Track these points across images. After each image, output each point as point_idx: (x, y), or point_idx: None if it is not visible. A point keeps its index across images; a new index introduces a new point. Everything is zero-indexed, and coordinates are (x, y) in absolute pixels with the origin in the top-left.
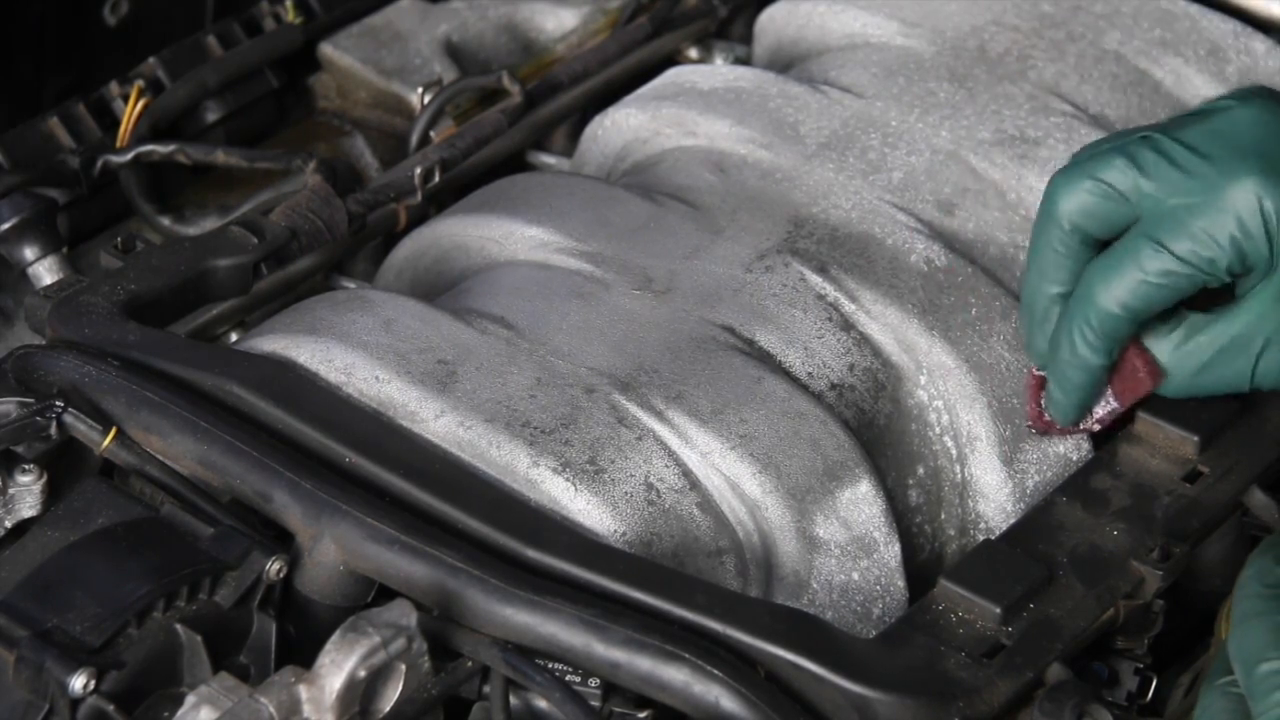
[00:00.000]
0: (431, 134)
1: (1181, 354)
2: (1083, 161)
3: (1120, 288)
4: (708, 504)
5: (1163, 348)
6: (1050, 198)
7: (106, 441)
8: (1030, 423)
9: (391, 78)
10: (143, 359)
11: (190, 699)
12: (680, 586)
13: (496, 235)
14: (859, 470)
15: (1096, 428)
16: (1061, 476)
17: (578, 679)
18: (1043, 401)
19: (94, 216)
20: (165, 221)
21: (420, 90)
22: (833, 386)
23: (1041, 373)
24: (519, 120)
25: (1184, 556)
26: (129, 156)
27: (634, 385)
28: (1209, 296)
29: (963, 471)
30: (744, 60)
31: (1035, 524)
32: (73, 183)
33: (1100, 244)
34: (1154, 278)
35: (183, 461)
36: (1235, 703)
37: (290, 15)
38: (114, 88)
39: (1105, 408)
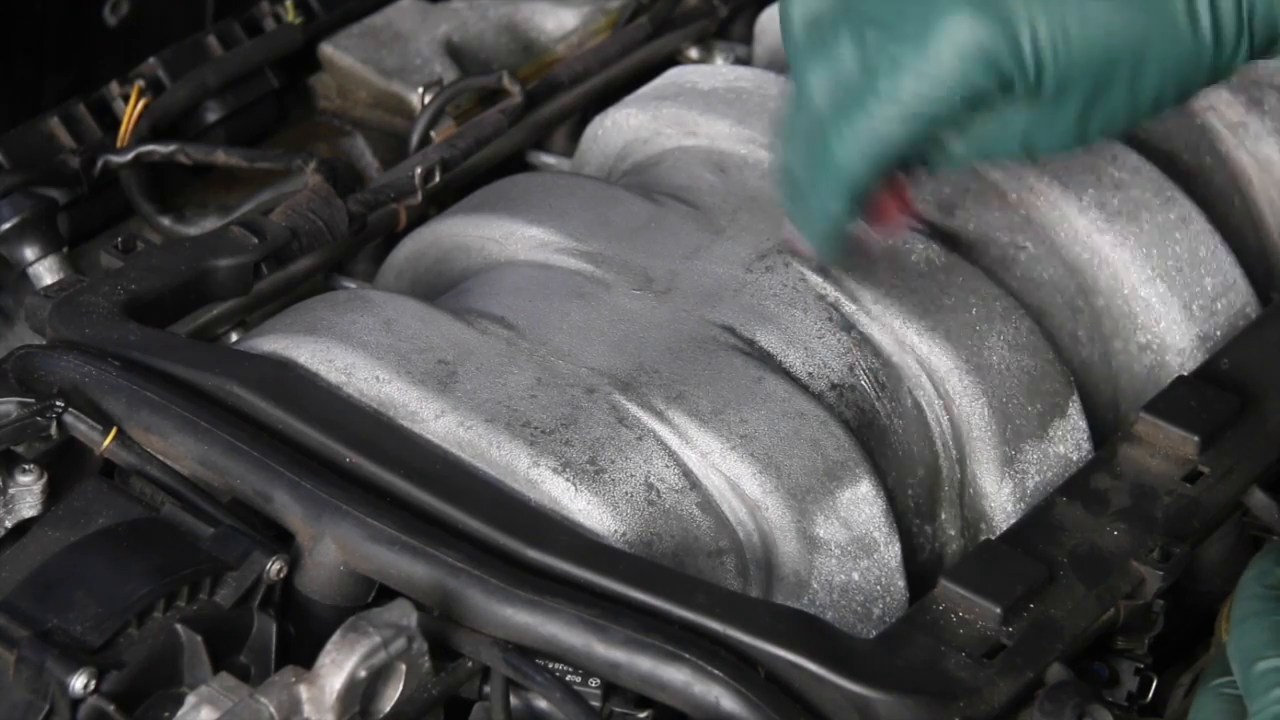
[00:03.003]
0: (432, 134)
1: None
2: (816, 35)
3: (856, 145)
4: (708, 504)
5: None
6: (798, 81)
7: (107, 441)
8: (784, 240)
9: (392, 78)
10: (143, 359)
11: (190, 699)
12: (680, 586)
13: (497, 235)
14: (859, 470)
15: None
16: (1061, 476)
17: (578, 679)
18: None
19: (94, 216)
20: (165, 221)
21: (420, 90)
22: (833, 386)
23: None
24: (519, 120)
25: (1184, 557)
26: (129, 156)
27: (634, 385)
28: None
29: (963, 471)
30: (744, 60)
31: (1035, 524)
32: (73, 183)
33: None
34: (890, 137)
35: (183, 461)
36: (1230, 704)
37: (290, 15)
38: (114, 88)
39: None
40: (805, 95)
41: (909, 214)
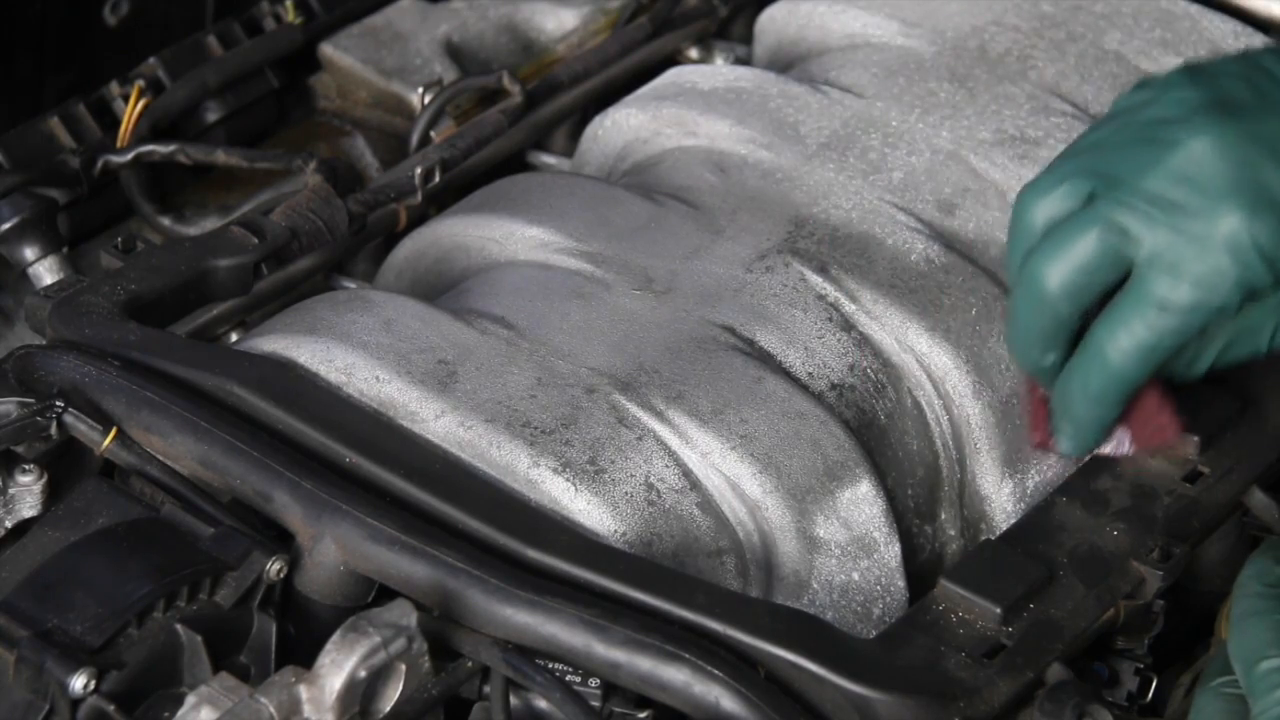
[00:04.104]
0: (432, 134)
1: (1194, 347)
2: (1059, 236)
3: (1132, 351)
4: (708, 504)
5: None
6: (1035, 280)
7: (107, 441)
8: (1034, 444)
9: (392, 78)
10: (143, 359)
11: (190, 699)
12: (680, 586)
13: (497, 235)
14: (859, 470)
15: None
16: (1062, 476)
17: (578, 679)
18: (1049, 428)
19: (94, 216)
20: (165, 221)
21: (420, 90)
22: (833, 386)
23: (1044, 393)
24: (519, 120)
25: (1184, 557)
26: (129, 156)
27: (634, 385)
28: None
29: (963, 471)
30: (744, 60)
31: (1035, 524)
32: (73, 183)
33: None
34: (1166, 337)
35: (183, 461)
36: (1231, 703)
37: (290, 15)
38: (114, 88)
39: (1119, 447)
40: (1048, 291)
41: (1172, 416)
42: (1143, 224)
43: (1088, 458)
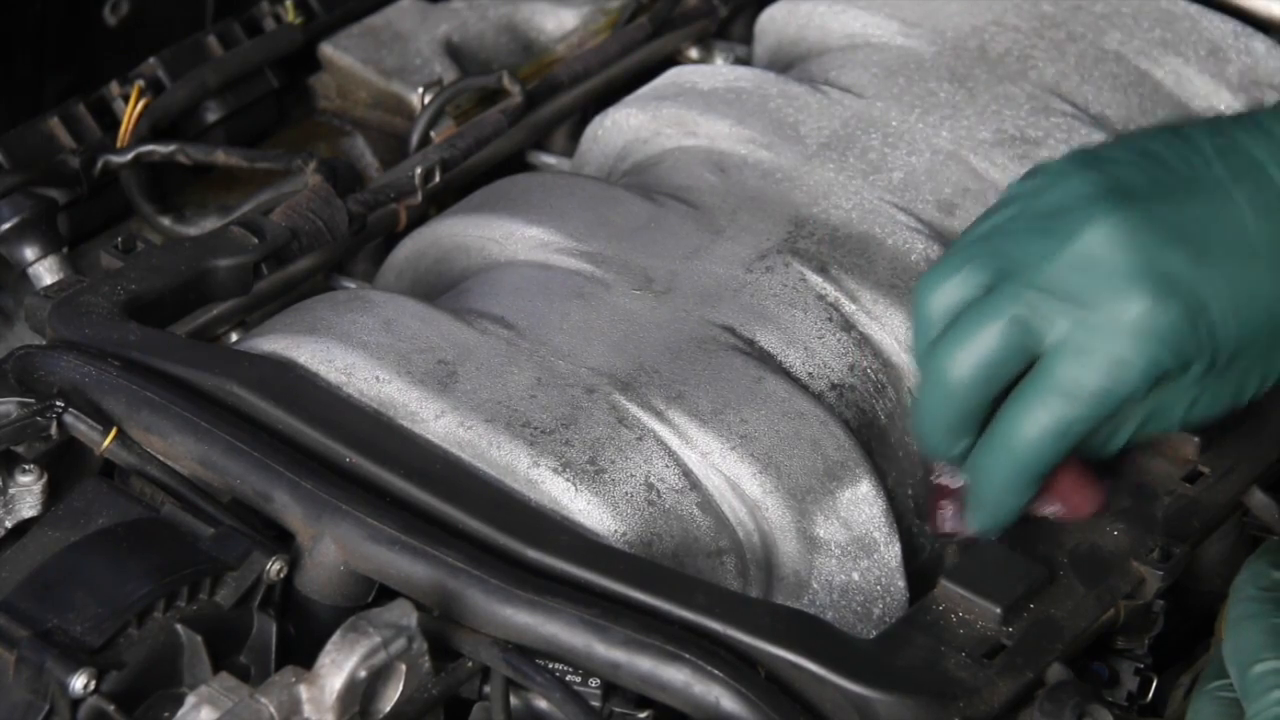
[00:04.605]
0: (432, 134)
1: (1107, 428)
2: (963, 327)
3: (1041, 436)
4: (708, 504)
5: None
6: (940, 371)
7: (107, 442)
8: (935, 530)
9: (392, 78)
10: (143, 359)
11: (190, 699)
12: (680, 587)
13: (497, 235)
14: (859, 470)
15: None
16: None
17: (578, 679)
18: (953, 513)
19: (94, 216)
20: (165, 221)
21: (420, 90)
22: (833, 386)
23: (946, 482)
24: (519, 120)
25: (1184, 557)
26: (129, 156)
27: (634, 385)
28: None
29: None
30: (744, 60)
31: (1035, 524)
32: (73, 183)
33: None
34: (1076, 423)
35: (183, 461)
36: (1227, 707)
37: (290, 15)
38: (114, 88)
39: (1048, 508)
40: (954, 383)
41: (1095, 489)
42: (1045, 314)
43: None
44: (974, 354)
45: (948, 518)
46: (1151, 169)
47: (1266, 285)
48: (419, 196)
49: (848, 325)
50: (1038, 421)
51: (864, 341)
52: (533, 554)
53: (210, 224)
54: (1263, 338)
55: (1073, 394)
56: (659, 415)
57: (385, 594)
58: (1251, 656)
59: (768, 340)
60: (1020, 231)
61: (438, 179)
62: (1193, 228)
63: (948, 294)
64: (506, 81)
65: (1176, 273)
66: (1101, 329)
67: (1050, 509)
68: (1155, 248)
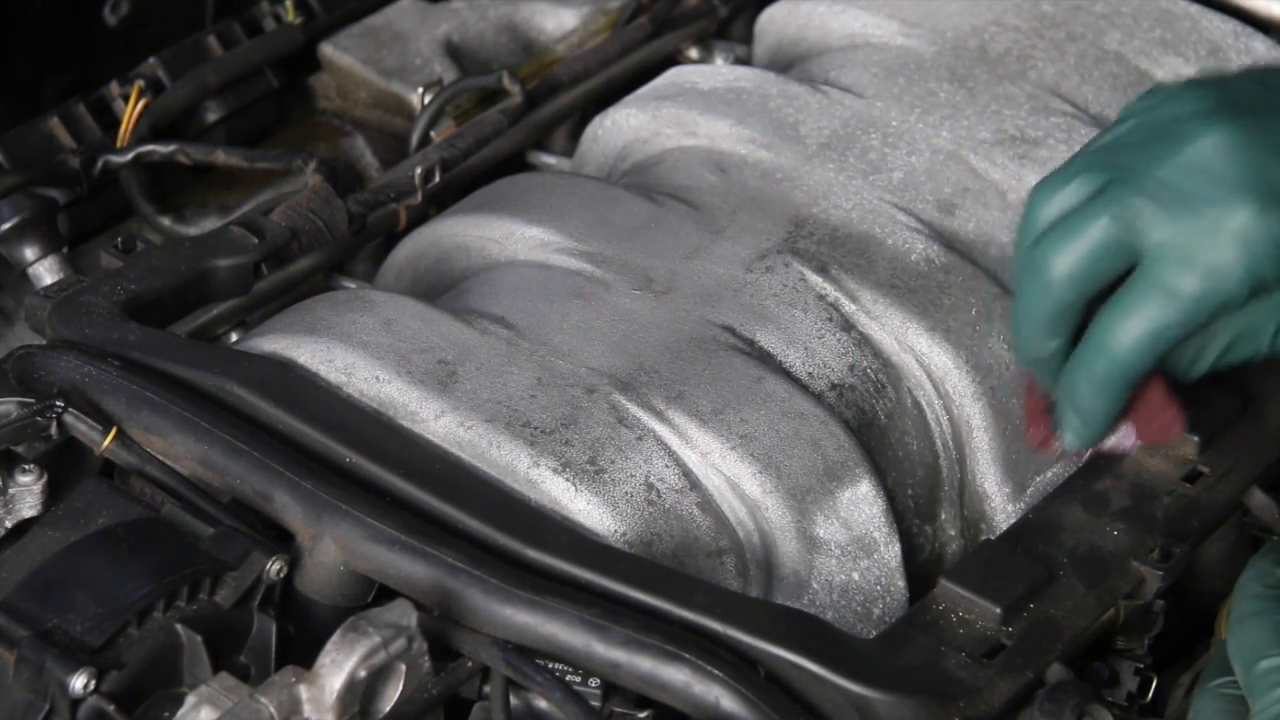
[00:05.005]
0: (432, 134)
1: (1196, 345)
2: (1068, 224)
3: (1138, 339)
4: (708, 504)
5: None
6: (1041, 265)
7: (107, 441)
8: (1032, 444)
9: (392, 78)
10: (143, 359)
11: (190, 699)
12: (680, 586)
13: (497, 235)
14: (859, 470)
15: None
16: (1061, 477)
17: (578, 679)
18: (1050, 426)
19: (94, 216)
20: (165, 221)
21: (420, 90)
22: (833, 386)
23: (1044, 395)
24: (519, 120)
25: (1184, 557)
26: (129, 156)
27: (634, 385)
28: None
29: (963, 471)
30: (744, 60)
31: (1035, 524)
32: (73, 183)
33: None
34: (1172, 326)
35: (183, 461)
36: (1229, 704)
37: (290, 15)
38: (114, 88)
39: (1124, 440)
40: (1054, 277)
41: (1177, 411)
42: (1152, 213)
43: (1088, 455)
44: (1076, 250)
45: (1041, 432)
46: (1268, 93)
47: None
48: (419, 196)
49: (848, 325)
50: (1132, 322)
51: (864, 341)
52: (533, 554)
53: (210, 224)
54: None
55: (1170, 296)
56: (659, 415)
57: (385, 594)
58: (1257, 653)
59: (768, 340)
60: (1137, 140)
61: (438, 179)
62: None
63: (1062, 200)
64: (506, 81)
65: (1278, 181)
66: (1204, 234)
67: (1129, 441)
68: (1266, 160)
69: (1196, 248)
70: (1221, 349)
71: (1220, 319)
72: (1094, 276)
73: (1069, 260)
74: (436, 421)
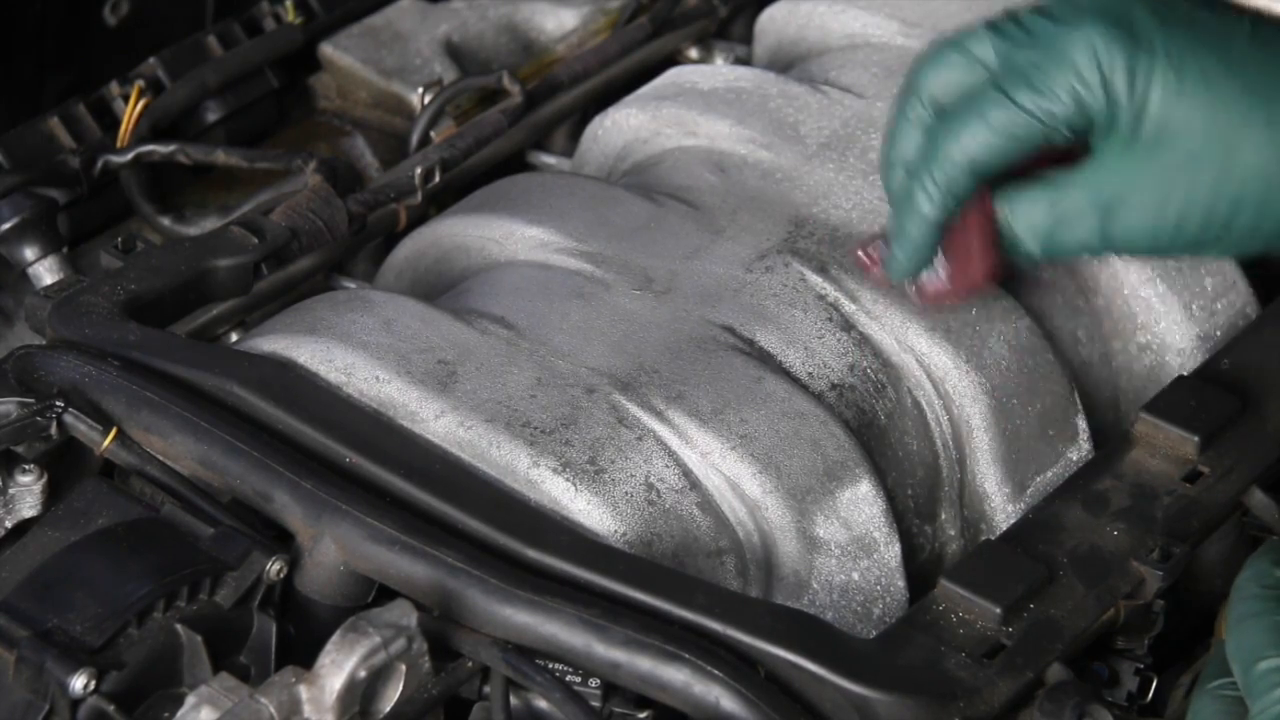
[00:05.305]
0: (432, 134)
1: (1031, 212)
2: (951, 38)
3: (966, 139)
4: (708, 504)
5: (1019, 205)
6: (914, 71)
7: (107, 442)
8: (863, 270)
9: (392, 78)
10: (143, 359)
11: (190, 699)
12: (680, 586)
13: (497, 235)
14: (859, 470)
15: (918, 300)
16: (1062, 477)
17: (578, 679)
18: (877, 257)
19: (94, 216)
20: (165, 221)
21: (420, 90)
22: (833, 386)
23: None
24: (519, 120)
25: (1184, 557)
26: (129, 156)
27: (634, 385)
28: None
29: (963, 471)
30: (744, 60)
31: (1035, 524)
32: (73, 183)
33: None
34: (999, 130)
35: (183, 461)
36: (1228, 705)
37: (290, 15)
38: (114, 88)
39: (935, 281)
40: (917, 91)
41: (992, 257)
42: (1010, 30)
43: (1088, 452)
44: (940, 67)
45: (874, 260)
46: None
47: (1223, 86)
48: (419, 196)
49: (848, 325)
50: (956, 130)
51: (864, 341)
52: (532, 554)
53: (210, 224)
54: (1195, 139)
55: (995, 105)
56: (659, 415)
57: (385, 594)
58: (1255, 654)
59: (768, 340)
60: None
61: (438, 179)
62: (1179, 8)
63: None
64: (506, 81)
65: (1138, 24)
66: (1044, 53)
67: (941, 278)
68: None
69: (1033, 62)
70: (1056, 218)
71: (1062, 177)
72: (953, 86)
73: (930, 76)
74: (436, 421)
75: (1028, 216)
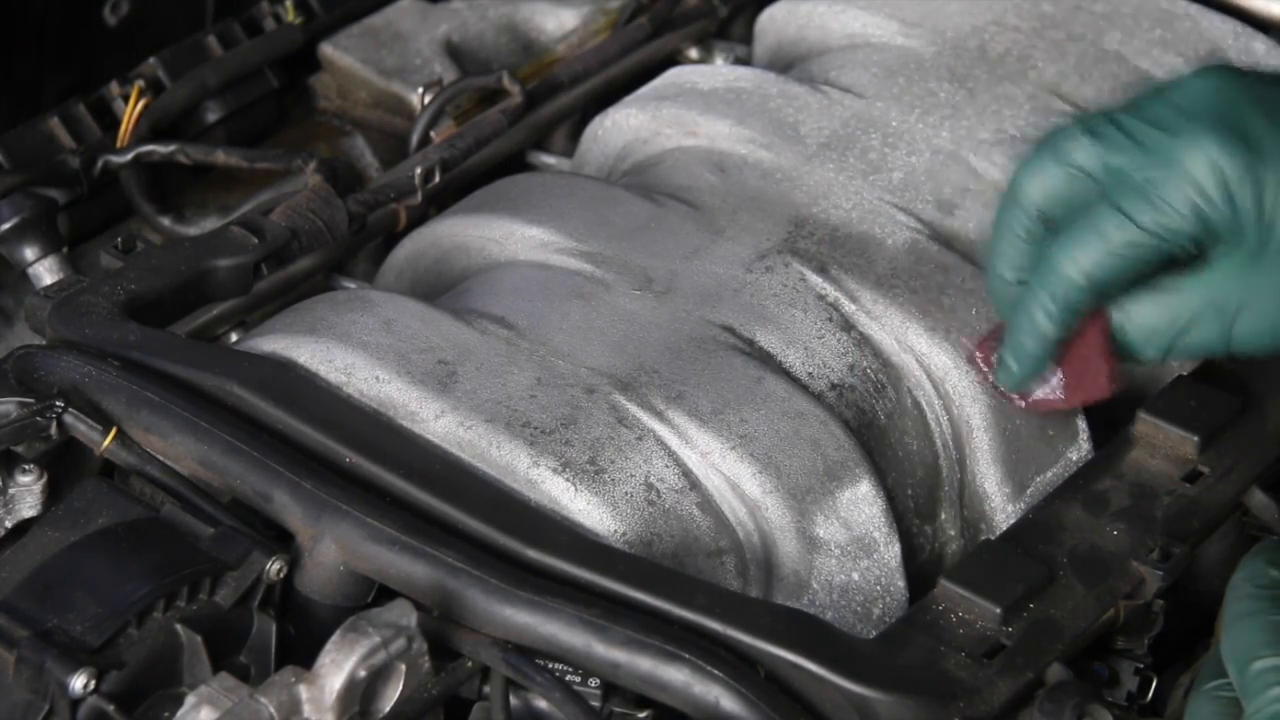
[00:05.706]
0: (432, 134)
1: (1150, 320)
2: (1047, 144)
3: (1083, 258)
4: (708, 504)
5: (1136, 312)
6: (1015, 183)
7: (107, 442)
8: (977, 374)
9: (392, 78)
10: (143, 359)
11: (190, 699)
12: (680, 586)
13: (497, 235)
14: (859, 470)
15: (1023, 405)
16: (1061, 477)
17: (578, 679)
18: (993, 360)
19: (94, 216)
20: (165, 221)
21: (420, 90)
22: (833, 386)
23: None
24: (519, 120)
25: (1184, 557)
26: (129, 156)
27: (634, 385)
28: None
29: (963, 471)
30: (744, 60)
31: (1035, 524)
32: (73, 183)
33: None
34: (1118, 248)
35: (183, 461)
36: (1224, 706)
37: (290, 15)
38: (114, 88)
39: (1051, 393)
40: (1023, 198)
41: (1111, 370)
42: (1119, 139)
43: (1088, 451)
44: (1045, 170)
45: (983, 366)
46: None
47: None
48: (419, 196)
49: (848, 325)
50: (1074, 248)
51: (864, 341)
52: (532, 554)
53: (210, 224)
54: None
55: (1115, 223)
56: (659, 415)
57: (385, 594)
58: (1250, 654)
59: (768, 340)
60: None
61: (438, 179)
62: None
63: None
64: (506, 81)
65: (1254, 134)
66: (1159, 165)
67: (1058, 392)
68: (1243, 108)
69: (1148, 177)
70: (1177, 326)
71: (1180, 283)
72: (1057, 197)
73: (1035, 180)
74: (436, 421)
75: (1147, 325)
